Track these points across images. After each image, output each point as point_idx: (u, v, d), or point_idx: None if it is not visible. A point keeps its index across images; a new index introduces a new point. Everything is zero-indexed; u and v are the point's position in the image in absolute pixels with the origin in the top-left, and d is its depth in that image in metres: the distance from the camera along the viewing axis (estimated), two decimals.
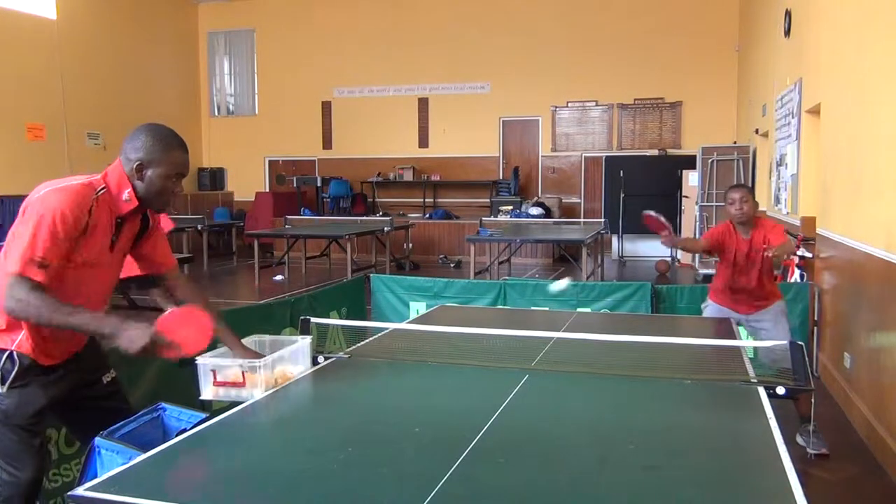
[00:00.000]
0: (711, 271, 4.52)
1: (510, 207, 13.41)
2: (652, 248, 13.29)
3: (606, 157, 13.95)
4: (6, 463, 2.20)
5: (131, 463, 1.84)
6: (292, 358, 2.62)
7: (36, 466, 2.24)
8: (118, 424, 2.29)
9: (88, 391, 2.43)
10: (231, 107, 16.69)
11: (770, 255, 3.90)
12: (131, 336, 2.07)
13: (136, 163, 2.25)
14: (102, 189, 2.22)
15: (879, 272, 4.09)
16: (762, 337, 4.14)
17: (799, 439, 4.04)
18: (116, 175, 2.27)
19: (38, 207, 2.10)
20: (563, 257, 11.82)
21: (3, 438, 2.19)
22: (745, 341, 3.62)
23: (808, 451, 3.90)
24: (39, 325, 2.14)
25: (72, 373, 2.35)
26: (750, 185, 10.64)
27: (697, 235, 11.35)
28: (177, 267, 2.65)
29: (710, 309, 4.35)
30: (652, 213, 4.17)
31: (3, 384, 2.17)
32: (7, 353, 2.18)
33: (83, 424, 2.41)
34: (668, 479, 1.76)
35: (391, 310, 5.93)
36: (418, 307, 5.79)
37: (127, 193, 2.26)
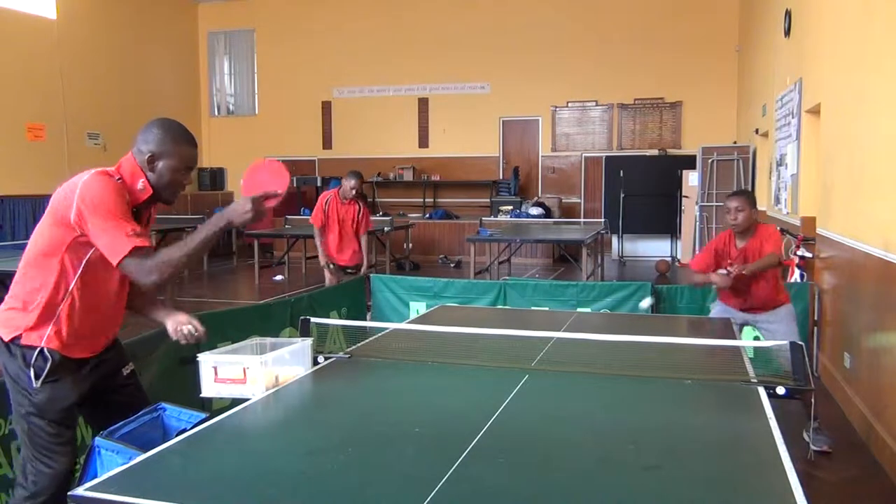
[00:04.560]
0: None
1: (510, 207, 13.42)
2: (652, 248, 13.31)
3: (606, 157, 13.95)
4: (42, 455, 2.26)
5: (131, 463, 1.85)
6: (292, 358, 2.62)
7: (69, 458, 2.31)
8: (118, 424, 2.30)
9: (109, 383, 2.49)
10: (231, 107, 16.69)
11: (741, 272, 3.86)
12: (238, 211, 2.27)
13: (148, 155, 2.30)
14: (118, 179, 2.27)
15: (879, 272, 4.09)
16: (769, 338, 4.13)
17: (805, 436, 4.04)
18: (130, 166, 2.32)
19: (90, 201, 2.16)
20: (563, 257, 11.82)
21: (38, 432, 2.26)
22: (746, 341, 3.62)
23: (812, 447, 3.90)
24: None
25: (99, 366, 2.43)
26: (750, 188, 10.65)
27: (697, 235, 11.36)
28: None
29: (718, 309, 4.33)
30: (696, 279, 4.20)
31: (37, 379, 2.23)
32: (39, 349, 2.24)
33: (102, 415, 2.46)
34: (668, 479, 1.76)
35: (391, 310, 5.93)
36: (418, 307, 5.79)
37: (141, 183, 2.31)
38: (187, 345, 2.54)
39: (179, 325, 2.49)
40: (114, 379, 2.51)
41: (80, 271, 2.24)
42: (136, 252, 2.15)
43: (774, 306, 4.19)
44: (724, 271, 4.03)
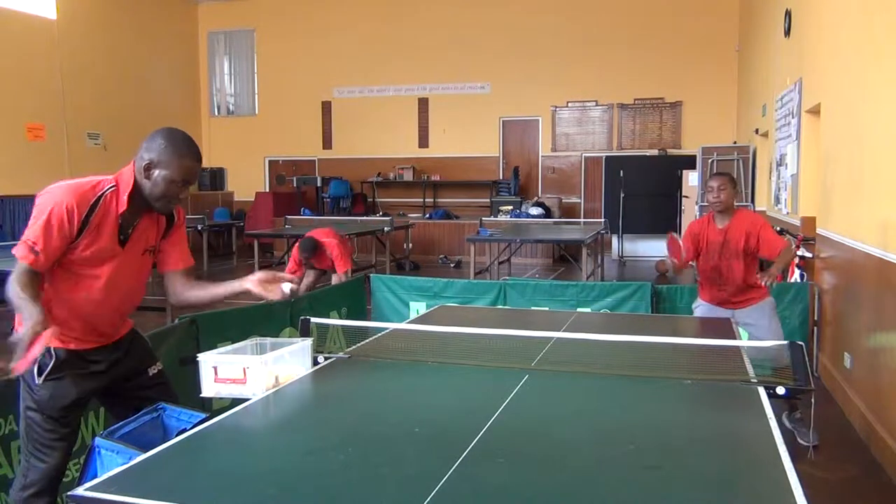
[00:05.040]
0: None
1: (510, 207, 13.41)
2: (652, 248, 13.31)
3: (606, 157, 13.95)
4: (36, 450, 2.31)
5: (131, 463, 1.85)
6: (292, 358, 2.62)
7: (62, 454, 2.35)
8: (118, 424, 2.31)
9: (133, 382, 2.52)
10: (231, 107, 16.69)
11: (768, 283, 3.83)
12: (24, 327, 2.05)
13: (147, 162, 2.30)
14: (112, 187, 2.29)
15: (879, 272, 4.09)
16: (753, 334, 4.13)
17: (786, 422, 4.06)
18: (126, 174, 2.33)
19: (40, 200, 2.23)
20: (563, 257, 11.82)
21: (36, 427, 2.30)
22: (745, 341, 3.62)
23: (799, 441, 3.90)
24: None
25: (117, 365, 2.45)
26: (750, 188, 10.66)
27: None
28: (188, 270, 2.64)
29: (701, 309, 4.33)
30: (677, 237, 4.14)
31: (40, 376, 2.27)
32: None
33: (126, 413, 2.47)
34: (668, 479, 1.76)
35: (391, 310, 5.93)
36: (418, 307, 5.79)
37: (126, 194, 2.30)
38: (187, 344, 2.54)
39: (267, 283, 2.43)
40: (138, 379, 2.54)
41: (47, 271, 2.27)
42: (17, 263, 2.19)
43: (754, 300, 4.17)
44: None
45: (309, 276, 7.55)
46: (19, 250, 2.18)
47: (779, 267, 3.89)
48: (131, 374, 2.52)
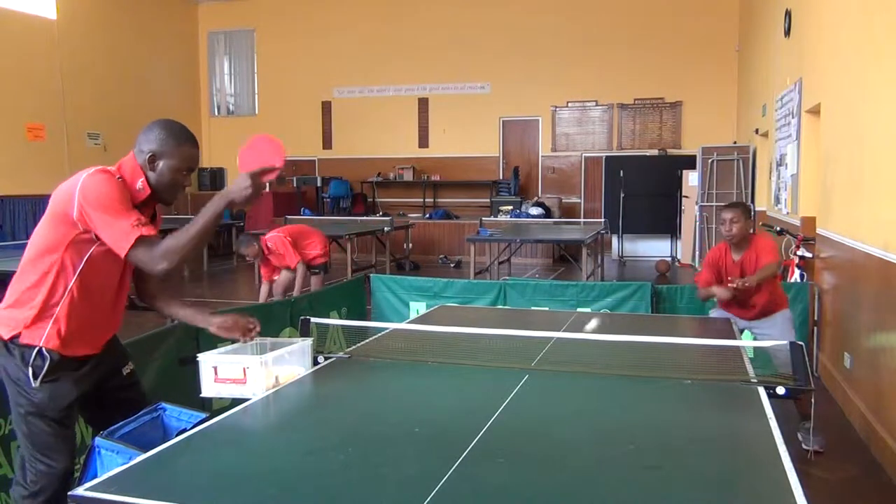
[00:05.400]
0: None
1: (510, 207, 13.41)
2: (652, 248, 13.31)
3: (606, 157, 13.94)
4: (41, 454, 2.26)
5: (131, 463, 1.85)
6: (292, 358, 2.62)
7: (69, 456, 2.31)
8: (118, 424, 2.30)
9: (109, 383, 2.49)
10: (231, 107, 16.69)
11: (744, 285, 3.85)
12: (237, 189, 2.27)
13: (149, 154, 2.31)
14: (118, 178, 2.28)
15: (879, 272, 4.09)
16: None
17: (798, 435, 4.08)
18: (130, 166, 2.32)
19: (92, 195, 2.16)
20: (563, 257, 11.82)
21: (38, 431, 2.26)
22: (746, 341, 3.62)
23: (804, 447, 3.91)
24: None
25: (99, 366, 2.42)
26: (749, 188, 10.66)
27: (697, 235, 11.37)
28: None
29: (716, 312, 4.35)
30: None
31: (35, 379, 2.23)
32: (36, 349, 2.23)
33: (104, 415, 2.45)
34: (668, 479, 1.76)
35: (391, 310, 5.93)
36: (418, 307, 5.79)
37: (140, 182, 2.31)
38: (187, 344, 2.54)
39: (229, 329, 2.45)
40: (114, 379, 2.50)
41: (80, 269, 2.23)
42: (142, 241, 2.15)
43: (770, 312, 4.20)
44: (723, 290, 4.02)
45: (283, 276, 7.42)
46: (137, 231, 2.14)
47: (755, 279, 3.91)
48: (109, 374, 2.48)
